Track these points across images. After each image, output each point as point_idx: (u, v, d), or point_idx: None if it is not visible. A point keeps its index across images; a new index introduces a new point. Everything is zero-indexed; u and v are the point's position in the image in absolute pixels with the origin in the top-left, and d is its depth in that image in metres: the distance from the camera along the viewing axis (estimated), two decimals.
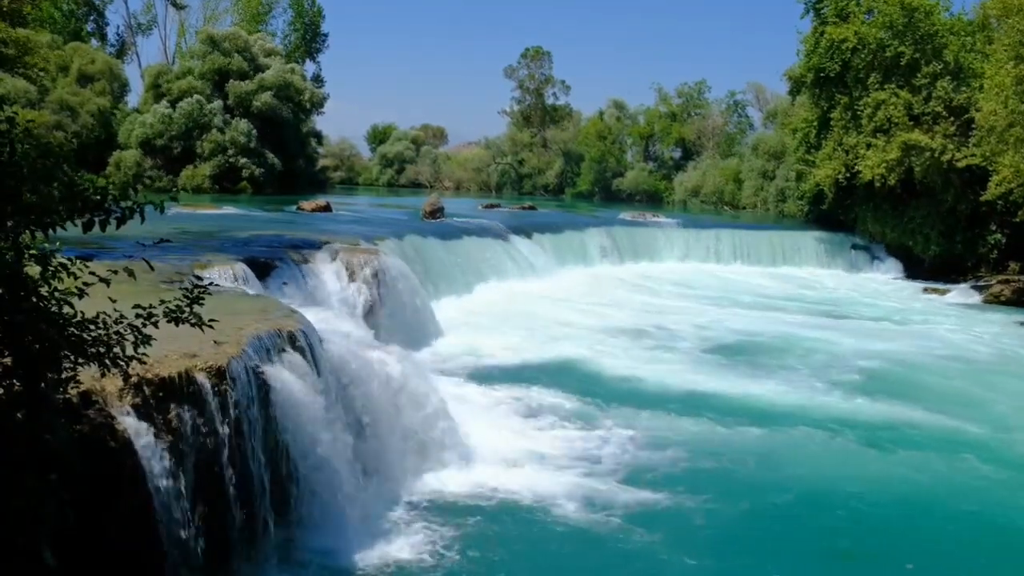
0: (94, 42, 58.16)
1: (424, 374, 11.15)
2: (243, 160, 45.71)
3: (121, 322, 5.26)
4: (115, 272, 5.20)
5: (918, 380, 16.10)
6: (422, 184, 74.69)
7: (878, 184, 31.40)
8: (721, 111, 65.45)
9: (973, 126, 28.92)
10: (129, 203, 5.03)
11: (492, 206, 42.90)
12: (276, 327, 8.68)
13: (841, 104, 33.19)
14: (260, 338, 8.18)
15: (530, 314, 20.74)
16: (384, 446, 9.60)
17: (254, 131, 46.44)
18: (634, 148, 67.77)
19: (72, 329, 4.93)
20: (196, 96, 45.99)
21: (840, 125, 33.20)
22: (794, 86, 36.53)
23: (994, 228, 30.56)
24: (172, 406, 6.68)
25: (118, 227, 5.05)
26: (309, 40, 66.45)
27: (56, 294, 4.90)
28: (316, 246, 16.76)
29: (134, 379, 6.23)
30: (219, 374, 7.19)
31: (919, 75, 31.22)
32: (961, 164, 29.11)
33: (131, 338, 5.26)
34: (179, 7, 62.21)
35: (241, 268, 13.55)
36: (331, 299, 15.08)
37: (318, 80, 64.45)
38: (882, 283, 32.10)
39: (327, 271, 15.85)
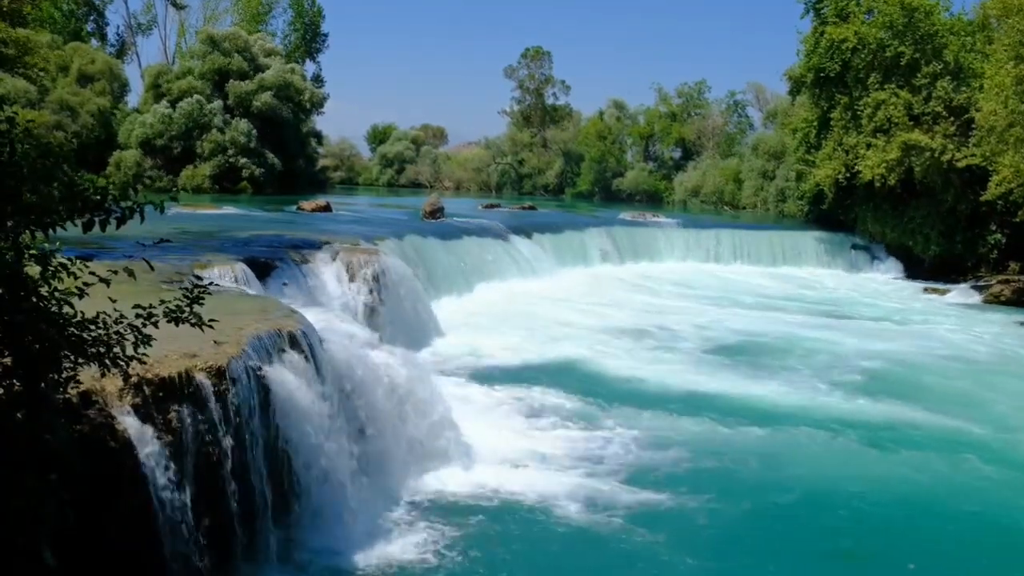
0: (94, 42, 58.17)
1: (424, 374, 11.14)
2: (243, 160, 45.71)
3: (121, 322, 5.26)
4: (115, 272, 5.20)
5: (919, 380, 16.10)
6: (422, 184, 74.69)
7: (878, 184, 31.40)
8: (721, 111, 65.46)
9: (973, 126, 28.91)
10: (129, 203, 5.03)
11: (492, 206, 42.90)
12: (276, 327, 8.67)
13: (841, 104, 33.19)
14: (260, 338, 8.18)
15: (530, 314, 20.74)
16: (384, 446, 9.59)
17: (254, 131, 46.44)
18: (634, 148, 67.77)
19: (72, 329, 4.93)
20: (196, 96, 45.99)
21: (840, 125, 33.20)
22: (794, 86, 36.53)
23: (994, 228, 30.55)
24: (172, 406, 6.67)
25: (118, 227, 5.05)
26: (309, 40, 66.45)
27: (56, 294, 4.89)
28: (316, 246, 16.76)
29: (134, 379, 6.22)
30: (219, 374, 7.19)
31: (919, 75, 31.21)
32: (961, 164, 29.10)
33: (131, 338, 5.26)
34: (179, 7, 62.25)
35: (241, 268, 13.55)
36: (331, 299, 15.08)
37: (318, 80, 64.50)
38: (882, 283, 32.10)
39: (327, 271, 15.85)
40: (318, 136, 56.64)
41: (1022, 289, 27.86)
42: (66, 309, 4.92)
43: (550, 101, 74.76)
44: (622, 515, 9.15)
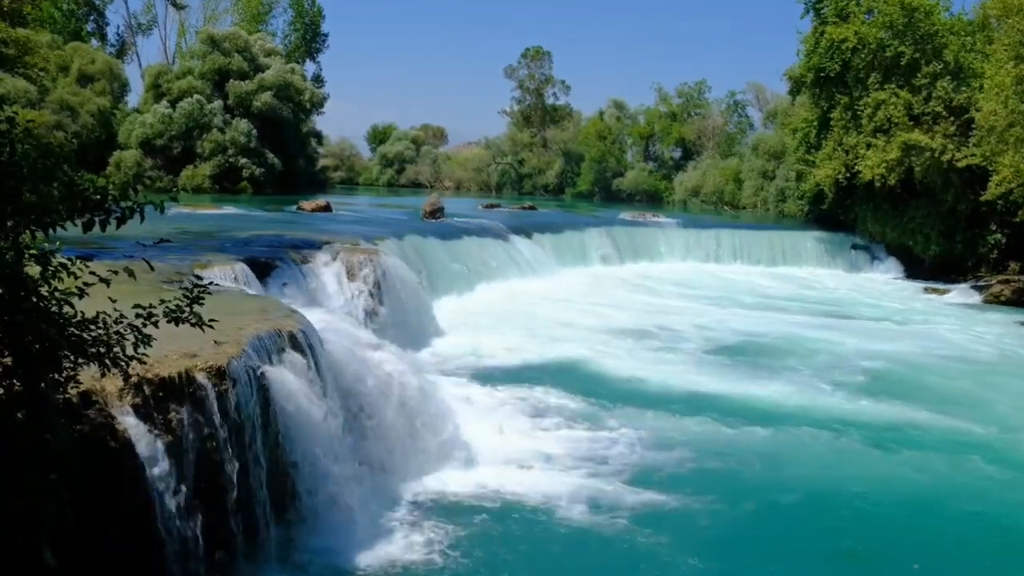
0: (94, 42, 58.14)
1: (425, 374, 11.15)
2: (243, 160, 45.71)
3: (121, 322, 5.26)
4: (115, 272, 5.19)
5: (921, 381, 16.10)
6: (422, 184, 74.68)
7: (878, 184, 31.39)
8: (721, 111, 65.45)
9: (973, 126, 28.90)
10: (129, 203, 5.02)
11: (492, 206, 42.90)
12: (276, 327, 8.67)
13: (841, 104, 33.18)
14: (260, 338, 8.17)
15: (531, 314, 20.73)
16: (385, 446, 9.59)
17: (254, 131, 46.44)
18: (634, 148, 67.76)
19: (72, 329, 4.92)
20: (196, 96, 45.99)
21: (840, 125, 33.19)
22: (794, 86, 36.51)
23: (994, 228, 30.54)
24: (172, 406, 6.67)
25: (118, 227, 5.04)
26: (309, 40, 66.44)
27: (56, 294, 4.89)
28: (316, 246, 16.76)
29: (134, 379, 6.21)
30: (219, 374, 7.18)
31: (919, 75, 31.20)
32: (961, 164, 29.09)
33: (131, 338, 5.26)
34: (179, 7, 62.25)
35: (241, 268, 13.55)
36: (331, 299, 15.08)
37: (318, 80, 64.49)
38: (882, 283, 32.10)
39: (327, 271, 15.85)
40: (318, 136, 56.65)
41: (1022, 289, 27.86)
42: (66, 309, 4.91)
43: (550, 101, 74.80)
44: (625, 516, 9.13)
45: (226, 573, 7.08)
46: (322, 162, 61.28)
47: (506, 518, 9.05)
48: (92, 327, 5.04)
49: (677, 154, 65.93)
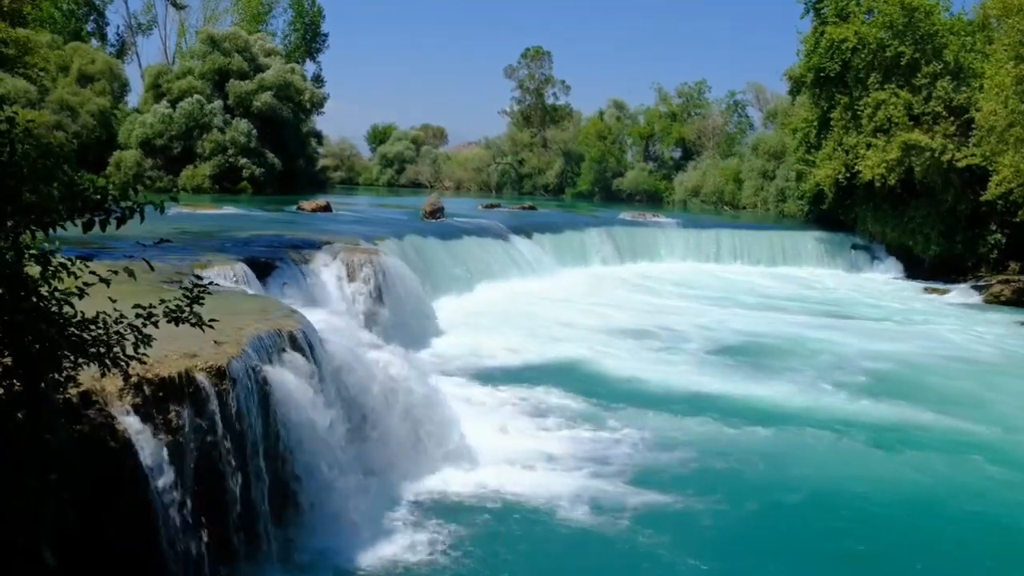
0: (94, 42, 58.14)
1: (425, 374, 11.13)
2: (243, 160, 45.71)
3: (121, 322, 5.25)
4: (115, 272, 5.19)
5: (922, 381, 16.10)
6: (422, 184, 74.68)
7: (878, 184, 31.39)
8: (721, 111, 65.45)
9: (973, 126, 28.90)
10: (129, 203, 5.02)
11: (492, 206, 42.90)
12: (276, 327, 8.66)
13: (841, 104, 33.18)
14: (260, 338, 8.17)
15: (531, 314, 20.73)
16: (385, 446, 9.58)
17: (254, 131, 46.43)
18: (634, 148, 67.76)
19: (72, 329, 4.91)
20: (196, 96, 45.98)
21: (840, 125, 33.19)
22: (794, 86, 36.52)
23: (994, 228, 30.55)
24: (172, 406, 6.66)
25: (118, 227, 5.04)
26: (309, 40, 66.44)
27: (56, 294, 4.89)
28: (316, 246, 16.75)
29: (134, 379, 6.21)
30: (219, 374, 7.17)
31: (919, 75, 31.20)
32: (961, 164, 29.09)
33: (131, 338, 5.25)
34: (179, 7, 62.24)
35: (241, 268, 13.54)
36: (331, 299, 15.07)
37: (318, 80, 64.49)
38: (882, 283, 32.09)
39: (327, 271, 15.84)
40: (318, 136, 56.65)
41: (1022, 289, 27.86)
42: (66, 309, 4.91)
43: (550, 101, 74.81)
44: (628, 516, 9.12)
45: (226, 573, 7.07)
46: (322, 162, 61.28)
47: (508, 518, 9.04)
48: (92, 327, 5.03)
49: (677, 154, 65.94)
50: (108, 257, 10.92)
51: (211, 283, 6.48)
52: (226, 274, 12.90)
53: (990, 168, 27.28)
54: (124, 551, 6.05)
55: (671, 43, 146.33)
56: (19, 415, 4.78)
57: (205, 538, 6.74)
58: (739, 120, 65.27)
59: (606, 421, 12.37)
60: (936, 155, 29.82)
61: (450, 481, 9.77)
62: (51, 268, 4.82)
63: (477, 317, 19.78)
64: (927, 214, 31.87)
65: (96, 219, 4.98)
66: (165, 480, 6.36)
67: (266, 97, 47.30)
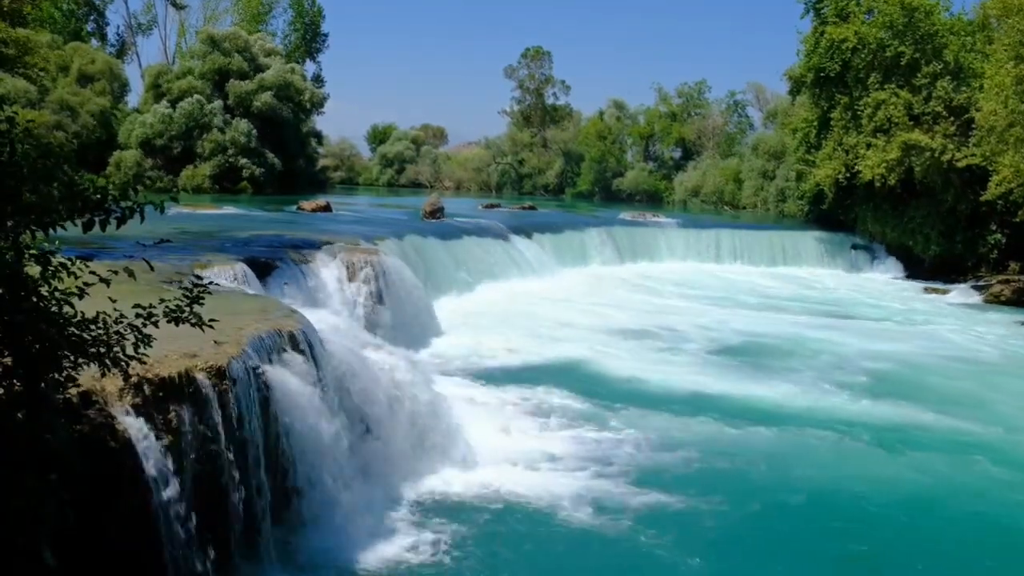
0: (94, 42, 58.14)
1: (425, 374, 11.13)
2: (243, 160, 45.70)
3: (121, 322, 5.24)
4: (115, 272, 5.18)
5: (924, 381, 16.09)
6: (422, 184, 74.68)
7: (878, 184, 31.39)
8: (721, 111, 65.47)
9: (973, 126, 28.90)
10: (129, 203, 5.01)
11: (492, 206, 42.90)
12: (276, 327, 8.65)
13: (841, 104, 33.18)
14: (260, 338, 8.16)
15: (531, 314, 20.72)
16: (386, 446, 9.56)
17: (254, 131, 46.43)
18: (634, 148, 67.78)
19: (72, 329, 4.91)
20: (196, 96, 45.98)
21: (840, 125, 33.19)
22: (794, 86, 36.52)
23: (994, 228, 30.55)
24: (172, 406, 6.65)
25: (118, 227, 5.03)
26: (309, 40, 66.45)
27: (56, 294, 4.88)
28: (316, 246, 16.75)
29: (134, 379, 6.20)
30: (219, 374, 7.16)
31: (919, 75, 31.21)
32: (961, 164, 29.10)
33: (131, 338, 5.24)
34: (179, 7, 62.26)
35: (241, 268, 13.54)
36: (331, 299, 15.06)
37: (318, 80, 64.50)
38: (882, 283, 32.09)
39: (327, 271, 15.83)
40: (318, 136, 56.65)
41: (1022, 289, 27.85)
42: (66, 309, 4.90)
43: (550, 101, 74.84)
44: (630, 516, 9.12)
45: (226, 573, 7.06)
46: (322, 162, 61.28)
47: (509, 518, 9.03)
48: (92, 327, 5.03)
49: (677, 154, 65.95)
50: (108, 257, 10.91)
51: (211, 283, 6.47)
52: (226, 274, 12.89)
53: (990, 168, 27.28)
54: (124, 551, 6.05)
55: (671, 43, 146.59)
56: (19, 415, 4.77)
57: (205, 538, 6.73)
58: (739, 120, 65.36)
59: (608, 421, 12.36)
60: (936, 155, 29.82)
61: (451, 481, 9.76)
62: (51, 268, 4.81)
63: (477, 317, 19.77)
64: (927, 214, 31.87)
65: (96, 219, 4.97)
66: (165, 480, 6.36)
67: (266, 97, 47.30)
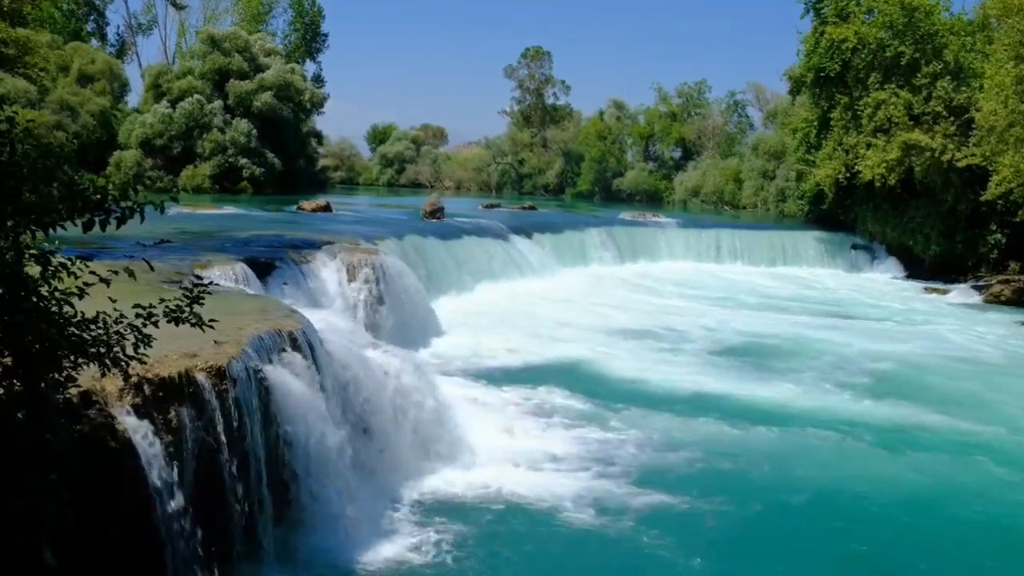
0: (94, 42, 58.12)
1: (425, 374, 11.11)
2: (243, 160, 45.69)
3: (121, 322, 5.24)
4: (115, 272, 5.18)
5: (926, 381, 16.08)
6: (422, 184, 74.66)
7: (878, 184, 31.38)
8: (721, 111, 65.46)
9: (973, 126, 28.90)
10: (129, 203, 5.00)
11: (492, 206, 42.89)
12: (276, 327, 8.65)
13: (841, 104, 33.17)
14: (260, 338, 8.16)
15: (531, 314, 20.71)
16: (386, 446, 9.56)
17: (254, 131, 46.42)
18: (634, 148, 67.77)
19: (72, 329, 4.90)
20: (196, 96, 45.97)
21: (840, 125, 33.18)
22: (794, 86, 36.52)
23: (994, 228, 30.54)
24: (172, 406, 6.65)
25: (118, 227, 5.03)
26: (309, 40, 66.43)
27: (56, 294, 4.87)
28: (316, 246, 16.75)
29: (134, 379, 6.20)
30: (219, 374, 7.16)
31: (919, 75, 31.20)
32: (961, 164, 29.09)
33: (131, 338, 5.24)
34: (179, 7, 62.26)
35: (241, 268, 13.53)
36: (331, 299, 15.06)
37: (318, 80, 64.48)
38: (883, 283, 32.09)
39: (327, 271, 15.83)
40: (318, 136, 56.64)
41: (1022, 289, 27.85)
42: (66, 309, 4.89)
43: (550, 101, 74.81)
44: (632, 517, 9.11)
45: (226, 573, 7.06)
46: (322, 162, 61.28)
47: (510, 518, 9.03)
48: (92, 327, 5.02)
49: (677, 154, 65.94)
50: (108, 257, 10.91)
51: (211, 283, 6.47)
52: (226, 274, 12.89)
53: (990, 168, 27.28)
54: (124, 551, 6.04)
55: (671, 43, 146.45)
56: (19, 415, 4.76)
57: (205, 537, 6.73)
58: (739, 120, 65.34)
59: (609, 421, 12.35)
60: (936, 155, 29.81)
61: (452, 481, 9.76)
62: (51, 268, 4.81)
63: (477, 317, 19.76)
64: (927, 214, 31.87)
65: (96, 219, 4.96)
66: (165, 480, 6.35)
67: (266, 97, 47.29)
